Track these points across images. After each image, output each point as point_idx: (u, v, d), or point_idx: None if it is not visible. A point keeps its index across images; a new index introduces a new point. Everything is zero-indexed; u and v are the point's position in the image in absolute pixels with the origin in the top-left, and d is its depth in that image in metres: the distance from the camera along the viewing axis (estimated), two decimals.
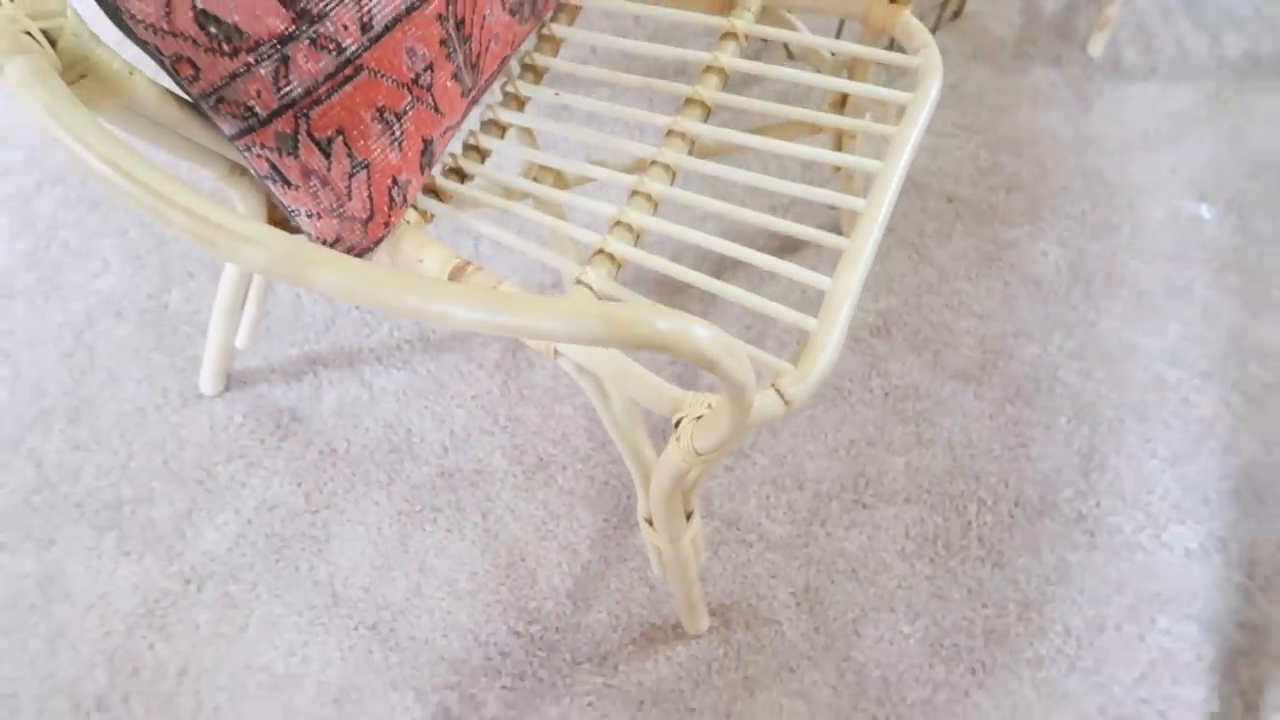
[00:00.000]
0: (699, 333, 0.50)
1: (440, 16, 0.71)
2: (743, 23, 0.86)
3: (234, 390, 1.02)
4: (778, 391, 0.65)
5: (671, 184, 0.78)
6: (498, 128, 0.85)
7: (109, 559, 0.92)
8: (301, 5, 0.63)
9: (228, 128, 0.65)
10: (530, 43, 0.89)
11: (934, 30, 1.32)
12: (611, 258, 0.73)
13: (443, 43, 0.72)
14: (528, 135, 0.91)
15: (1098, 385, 1.05)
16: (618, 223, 0.75)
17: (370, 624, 0.89)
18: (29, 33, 0.54)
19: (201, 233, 0.50)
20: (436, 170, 0.81)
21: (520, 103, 0.87)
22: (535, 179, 0.90)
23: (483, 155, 0.83)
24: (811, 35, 0.86)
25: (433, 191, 0.79)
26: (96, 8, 0.58)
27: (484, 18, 0.76)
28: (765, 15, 0.90)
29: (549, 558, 0.93)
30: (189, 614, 0.89)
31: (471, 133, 0.84)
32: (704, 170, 0.77)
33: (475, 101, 0.79)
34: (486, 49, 0.77)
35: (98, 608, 0.89)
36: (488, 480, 0.97)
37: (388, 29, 0.67)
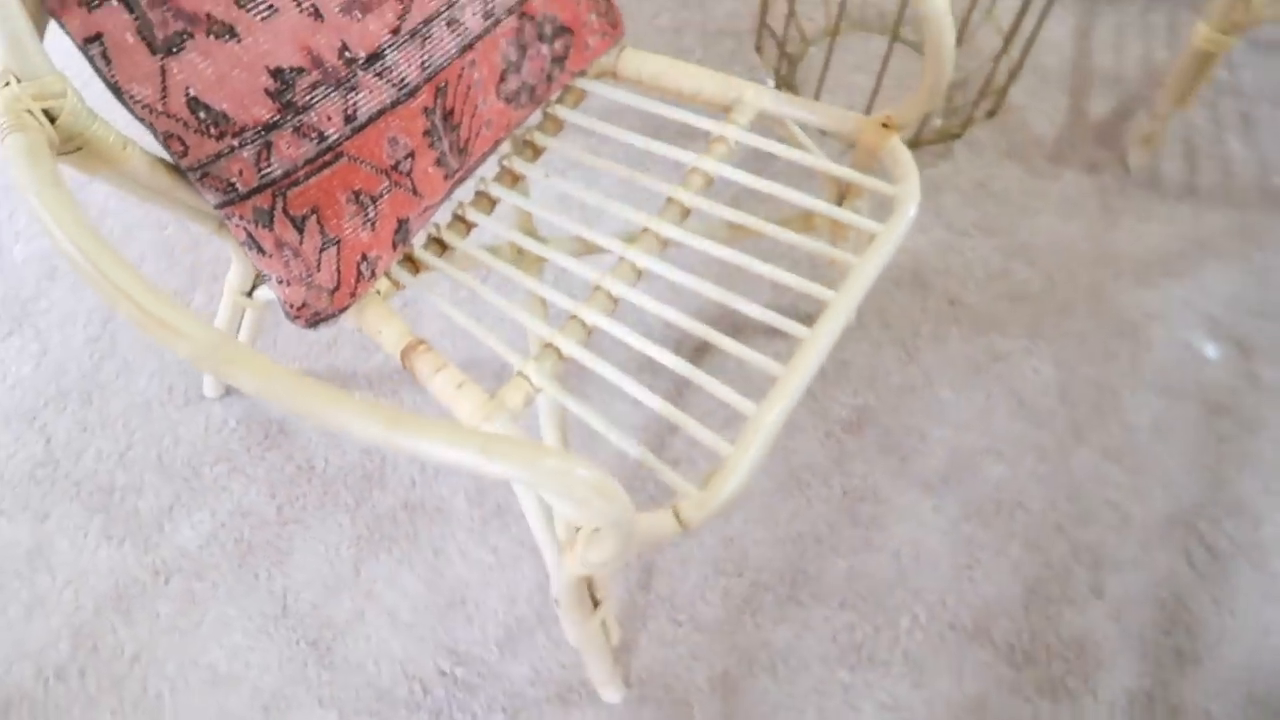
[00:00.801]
0: (579, 475, 0.54)
1: (426, 109, 0.75)
2: (734, 130, 0.88)
3: (233, 395, 1.10)
4: (675, 514, 0.68)
5: (635, 283, 0.82)
6: (489, 201, 0.89)
7: (93, 540, 1.00)
8: (288, 97, 0.68)
9: (211, 198, 0.71)
10: (535, 119, 0.93)
11: (965, 127, 1.32)
12: (559, 352, 0.77)
13: (426, 133, 0.76)
14: (519, 211, 0.95)
15: (1059, 517, 1.05)
16: (572, 317, 0.79)
17: (311, 640, 0.95)
18: (30, 111, 0.61)
19: (142, 321, 0.56)
20: (420, 239, 0.86)
21: (514, 178, 0.91)
22: (518, 253, 0.94)
23: (468, 227, 0.88)
24: (796, 149, 0.88)
25: (411, 260, 0.84)
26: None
27: (476, 106, 0.80)
28: (763, 120, 0.93)
29: (488, 604, 0.98)
30: (152, 604, 0.97)
31: (461, 204, 0.88)
32: (667, 275, 0.80)
33: (462, 181, 0.84)
34: (477, 134, 0.82)
35: (75, 584, 0.97)
36: (446, 519, 1.03)
37: (371, 120, 0.72)
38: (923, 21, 0.78)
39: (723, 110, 0.92)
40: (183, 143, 0.67)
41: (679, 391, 1.12)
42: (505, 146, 0.92)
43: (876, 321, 1.18)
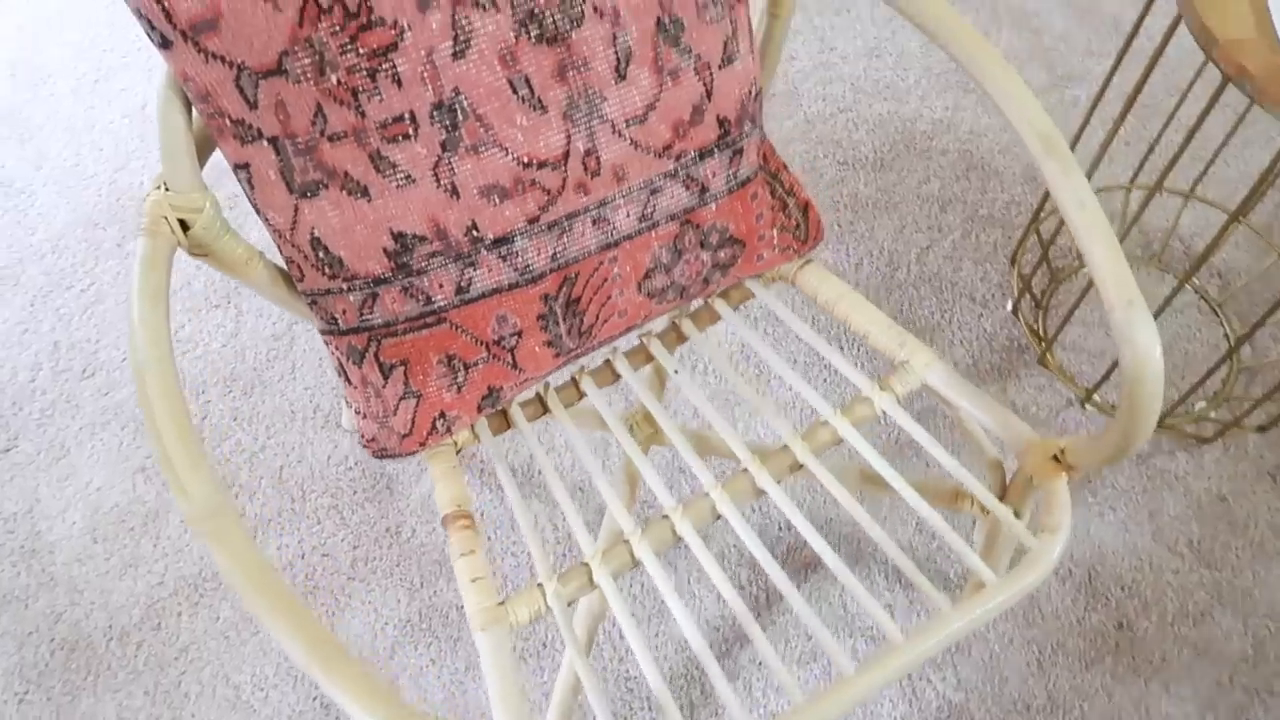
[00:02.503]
0: None
1: (546, 296, 0.73)
2: (886, 399, 0.78)
3: None
4: None
5: (708, 525, 0.75)
6: (611, 374, 0.85)
7: (193, 534, 1.08)
8: (404, 259, 0.68)
9: (316, 323, 0.72)
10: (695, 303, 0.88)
11: (1224, 432, 1.10)
12: (590, 576, 0.73)
13: (541, 317, 0.73)
14: (636, 399, 0.90)
15: None
16: (624, 540, 0.74)
17: (325, 703, 0.98)
18: (167, 218, 0.65)
19: (161, 459, 0.58)
20: (525, 392, 0.84)
21: (648, 357, 0.86)
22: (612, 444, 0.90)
23: (580, 395, 0.85)
24: (937, 446, 0.76)
25: (504, 414, 0.83)
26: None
27: (609, 297, 0.76)
28: (924, 392, 0.82)
29: None
30: (218, 605, 1.04)
31: (583, 368, 0.85)
32: (743, 536, 0.73)
33: (579, 358, 0.81)
34: (606, 320, 0.78)
35: (168, 559, 1.06)
36: None
37: (483, 296, 0.71)
38: (1123, 377, 0.65)
39: (888, 368, 0.82)
40: (301, 270, 0.69)
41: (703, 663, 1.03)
42: (654, 322, 0.88)
43: (1018, 612, 1.03)
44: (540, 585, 0.72)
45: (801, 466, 0.78)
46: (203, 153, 0.67)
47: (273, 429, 1.15)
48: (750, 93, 0.75)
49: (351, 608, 1.04)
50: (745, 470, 0.77)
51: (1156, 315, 1.01)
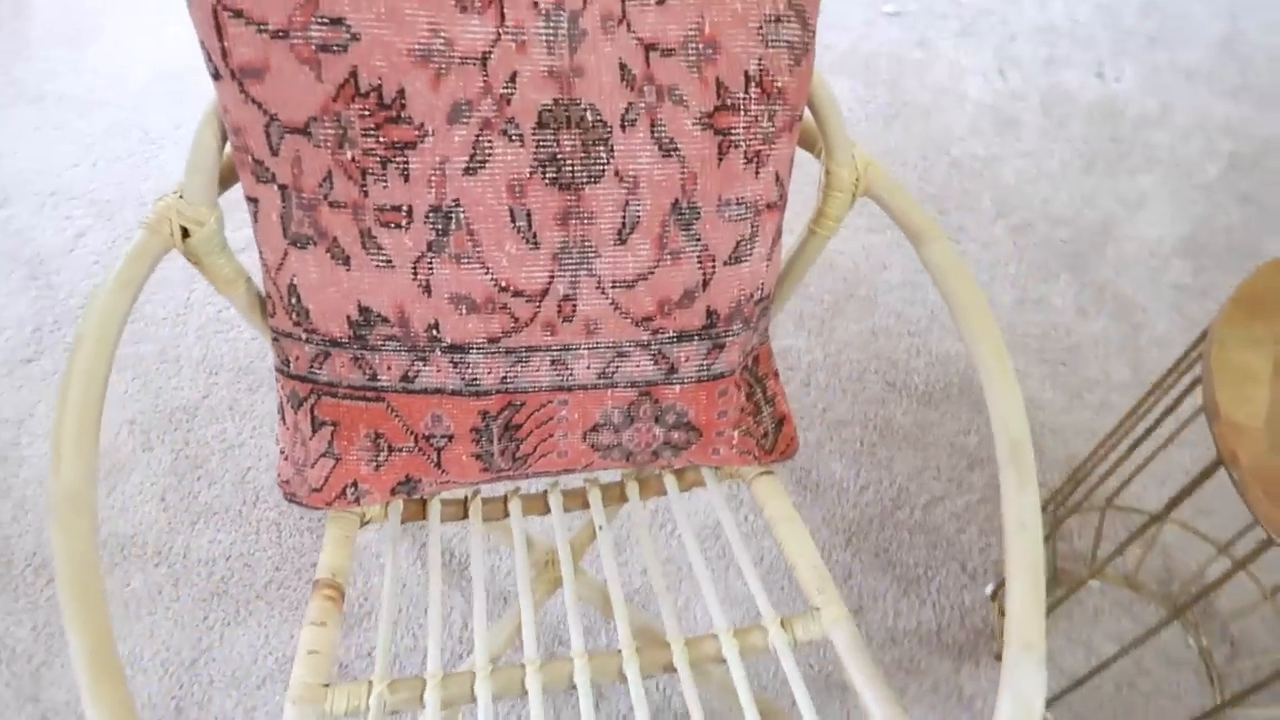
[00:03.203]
0: None
1: (485, 413, 0.73)
2: (781, 637, 0.75)
3: None
4: None
5: (564, 687, 0.73)
6: (543, 506, 0.85)
7: (153, 493, 1.12)
8: (362, 332, 0.70)
9: (273, 356, 0.75)
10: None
11: None
12: (421, 694, 0.71)
13: (474, 430, 0.74)
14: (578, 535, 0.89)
15: None
16: (471, 672, 0.73)
17: (181, 705, 0.98)
18: (171, 221, 0.69)
19: (53, 432, 0.61)
20: (455, 492, 0.84)
21: (584, 502, 0.86)
22: (536, 573, 0.88)
23: (505, 511, 0.84)
24: (809, 706, 0.72)
25: (423, 502, 0.83)
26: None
27: (551, 435, 0.77)
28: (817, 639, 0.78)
29: None
30: (132, 573, 1.06)
31: (517, 489, 0.85)
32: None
33: (510, 479, 0.81)
34: (543, 455, 0.78)
35: (113, 512, 1.10)
36: None
37: (424, 391, 0.72)
38: None
39: (805, 601, 0.79)
40: (274, 307, 0.72)
41: None
42: (606, 472, 0.87)
43: None
44: (370, 681, 0.71)
45: (674, 670, 0.76)
46: (231, 177, 0.72)
47: (259, 431, 1.19)
48: (751, 296, 0.75)
49: (246, 625, 1.04)
50: (619, 653, 0.75)
51: (1130, 647, 0.94)
